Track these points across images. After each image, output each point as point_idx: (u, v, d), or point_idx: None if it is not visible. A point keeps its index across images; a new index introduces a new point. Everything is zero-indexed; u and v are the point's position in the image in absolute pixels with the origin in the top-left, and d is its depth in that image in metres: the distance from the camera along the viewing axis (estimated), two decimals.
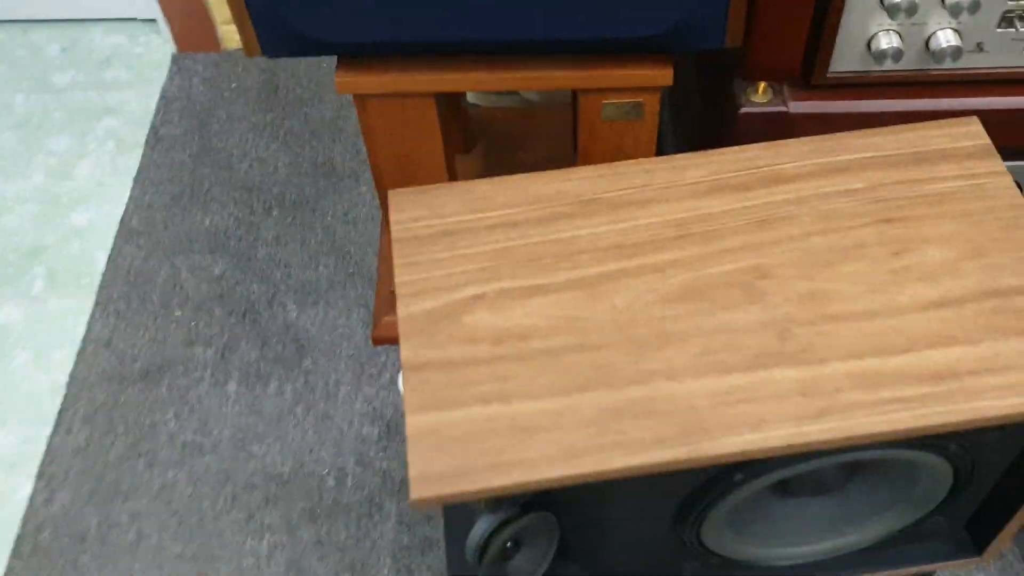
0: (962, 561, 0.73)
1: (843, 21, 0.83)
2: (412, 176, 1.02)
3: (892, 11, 0.80)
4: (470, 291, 0.63)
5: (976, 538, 0.73)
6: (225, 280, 1.28)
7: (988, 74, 0.83)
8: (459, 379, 0.59)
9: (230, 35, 1.53)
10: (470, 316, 0.62)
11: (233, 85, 1.52)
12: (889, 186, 0.65)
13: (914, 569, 0.74)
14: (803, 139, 0.68)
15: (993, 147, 0.66)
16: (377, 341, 1.21)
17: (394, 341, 1.20)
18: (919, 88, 0.85)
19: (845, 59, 0.85)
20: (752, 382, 0.57)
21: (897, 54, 0.81)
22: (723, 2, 0.82)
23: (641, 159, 0.69)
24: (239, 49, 1.54)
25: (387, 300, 1.20)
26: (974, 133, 0.67)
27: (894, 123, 0.69)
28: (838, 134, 0.68)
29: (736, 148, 0.68)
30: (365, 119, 0.96)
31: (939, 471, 0.63)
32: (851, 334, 0.59)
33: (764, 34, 0.84)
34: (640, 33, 0.84)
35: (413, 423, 0.58)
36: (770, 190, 0.66)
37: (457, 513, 0.77)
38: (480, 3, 0.83)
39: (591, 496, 0.64)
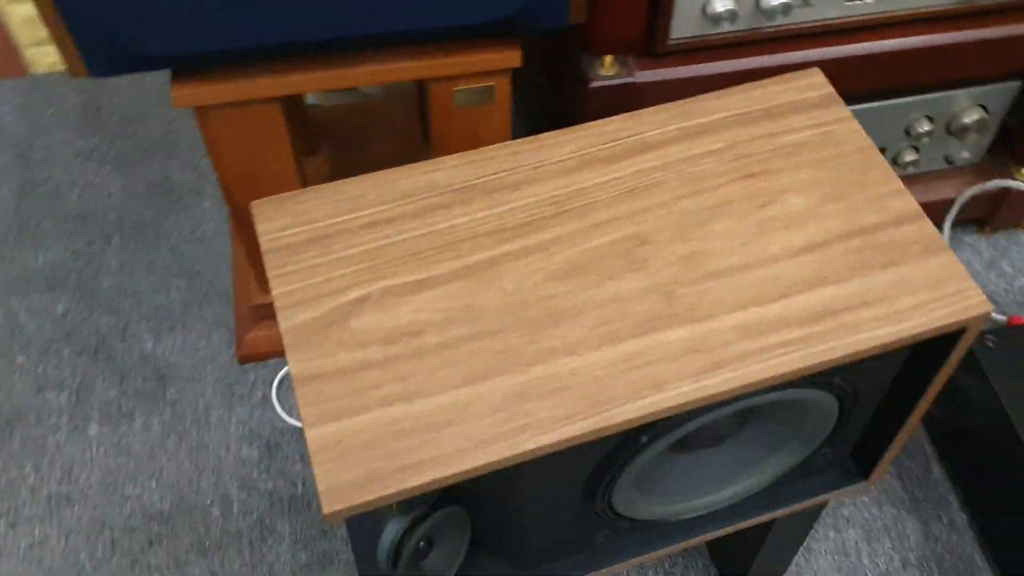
0: (851, 488, 0.77)
1: None
2: (262, 186, 0.98)
3: None
4: (353, 294, 0.61)
5: (862, 465, 0.77)
6: (70, 317, 1.21)
7: (818, 26, 0.88)
8: (355, 385, 0.57)
9: (39, 57, 1.44)
10: (357, 319, 0.60)
11: (50, 111, 1.42)
12: (746, 143, 0.68)
13: (808, 503, 0.77)
14: (660, 107, 0.70)
15: (836, 95, 0.70)
16: (243, 360, 1.16)
17: (262, 357, 1.17)
18: (758, 46, 0.89)
19: (684, 25, 0.88)
20: (647, 346, 0.58)
21: (732, 16, 0.84)
22: None
23: (507, 142, 0.68)
24: (53, 72, 1.45)
25: (248, 316, 1.16)
26: (817, 84, 0.70)
27: (738, 82, 0.72)
28: (693, 98, 0.70)
29: (598, 122, 0.69)
30: (208, 132, 0.92)
31: (825, 406, 0.66)
32: (731, 288, 0.61)
33: (606, 7, 0.85)
34: (486, 19, 0.84)
35: (314, 436, 0.56)
36: (636, 159, 0.67)
37: (362, 519, 0.75)
38: (316, 2, 0.81)
39: (501, 483, 0.64)
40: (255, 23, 0.82)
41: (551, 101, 1.05)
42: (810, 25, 0.88)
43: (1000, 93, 1.05)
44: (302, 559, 1.02)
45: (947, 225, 1.20)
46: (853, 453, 0.77)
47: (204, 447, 1.10)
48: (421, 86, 1.00)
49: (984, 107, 1.05)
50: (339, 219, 0.65)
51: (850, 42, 0.88)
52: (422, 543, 0.69)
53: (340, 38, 0.85)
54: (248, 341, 1.16)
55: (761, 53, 0.90)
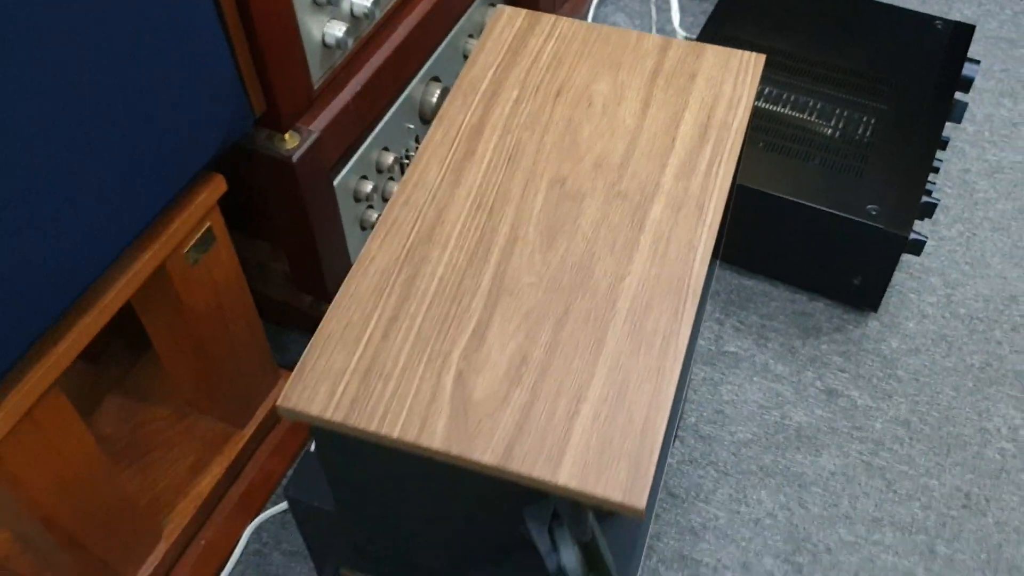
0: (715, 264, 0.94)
1: (303, 38, 0.89)
2: (73, 486, 0.84)
3: (322, 8, 0.90)
4: (447, 382, 0.61)
5: None
6: None
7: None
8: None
9: None
10: (476, 391, 0.61)
11: None
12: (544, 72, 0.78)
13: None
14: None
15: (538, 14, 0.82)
16: None
17: None
18: (377, 41, 0.99)
19: (319, 64, 0.92)
20: (654, 234, 0.68)
21: (346, 35, 0.91)
22: (240, 89, 0.82)
23: (386, 210, 0.70)
24: None
25: None
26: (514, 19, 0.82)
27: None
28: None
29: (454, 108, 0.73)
30: (9, 468, 0.77)
31: None
32: (643, 159, 0.72)
33: (284, 82, 0.87)
34: (197, 169, 0.81)
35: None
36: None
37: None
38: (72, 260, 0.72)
39: None
40: (29, 320, 0.70)
41: (240, 206, 1.03)
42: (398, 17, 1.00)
43: None
44: None
45: None
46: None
47: None
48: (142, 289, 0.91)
49: None
50: (360, 351, 0.63)
51: None
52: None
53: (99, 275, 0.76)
54: None
55: (383, 44, 0.99)
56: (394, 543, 0.76)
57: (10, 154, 0.65)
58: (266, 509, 1.10)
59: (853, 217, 1.12)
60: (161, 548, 1.01)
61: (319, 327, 0.65)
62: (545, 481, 0.58)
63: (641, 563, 0.97)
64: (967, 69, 1.27)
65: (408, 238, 0.69)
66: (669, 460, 1.11)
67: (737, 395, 1.16)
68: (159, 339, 0.99)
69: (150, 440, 1.08)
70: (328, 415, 0.61)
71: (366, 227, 1.11)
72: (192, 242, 0.89)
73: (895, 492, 1.08)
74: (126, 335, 1.17)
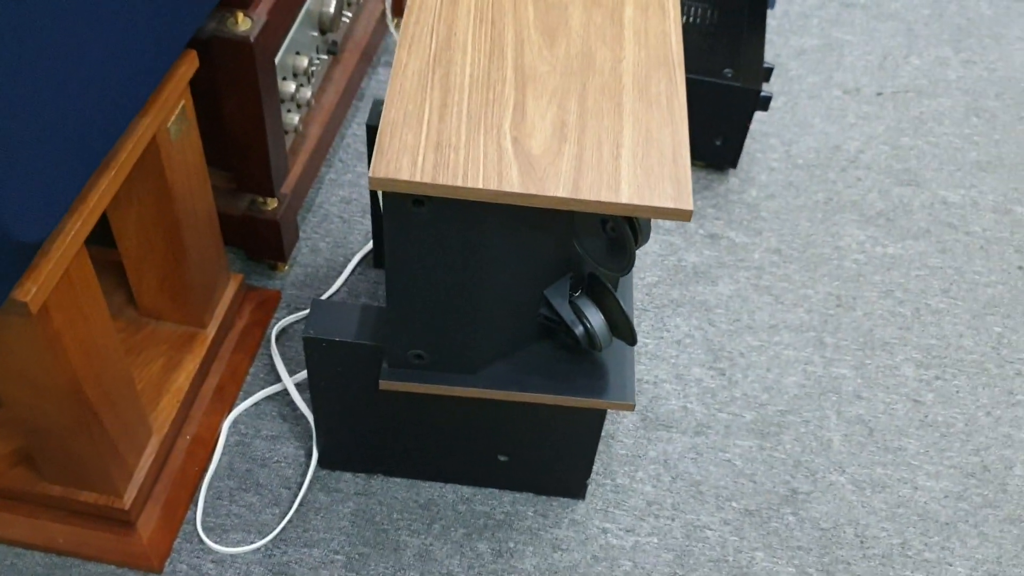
0: None
1: None
2: (100, 358, 0.87)
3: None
4: (507, 145, 0.72)
5: None
6: None
7: None
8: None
9: None
10: (533, 148, 0.72)
11: None
12: None
13: None
14: None
15: None
16: (161, 563, 1.01)
17: (170, 547, 1.02)
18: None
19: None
20: (633, 28, 0.82)
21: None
22: None
23: (402, 30, 0.80)
24: None
25: (132, 513, 0.99)
26: None
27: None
28: None
29: None
30: (49, 332, 0.79)
31: None
32: None
33: None
34: (188, 37, 0.87)
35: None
36: None
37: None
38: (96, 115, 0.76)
39: None
40: (78, 160, 0.73)
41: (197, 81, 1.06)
42: None
43: None
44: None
45: None
46: None
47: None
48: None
49: None
50: (425, 131, 0.73)
51: None
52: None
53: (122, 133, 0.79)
54: (150, 546, 1.00)
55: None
56: (438, 333, 0.85)
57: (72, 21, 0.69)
58: (238, 404, 1.14)
59: (714, 80, 1.32)
60: (155, 440, 1.03)
61: (382, 117, 0.74)
62: (611, 202, 0.70)
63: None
64: None
65: (430, 48, 0.79)
66: None
67: (639, 249, 1.32)
68: (126, 235, 1.01)
69: None
70: (416, 178, 0.70)
71: (288, 130, 1.18)
72: (173, 116, 0.93)
73: (782, 304, 1.28)
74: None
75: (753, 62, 1.35)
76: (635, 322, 1.24)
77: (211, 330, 1.13)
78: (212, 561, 1.02)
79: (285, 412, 1.13)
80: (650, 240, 1.33)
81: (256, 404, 1.14)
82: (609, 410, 1.11)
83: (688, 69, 1.33)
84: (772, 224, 1.37)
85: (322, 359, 0.95)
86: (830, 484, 1.12)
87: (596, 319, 0.85)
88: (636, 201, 0.71)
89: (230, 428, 1.12)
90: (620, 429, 1.15)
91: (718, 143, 1.39)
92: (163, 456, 1.05)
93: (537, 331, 0.91)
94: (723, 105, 1.34)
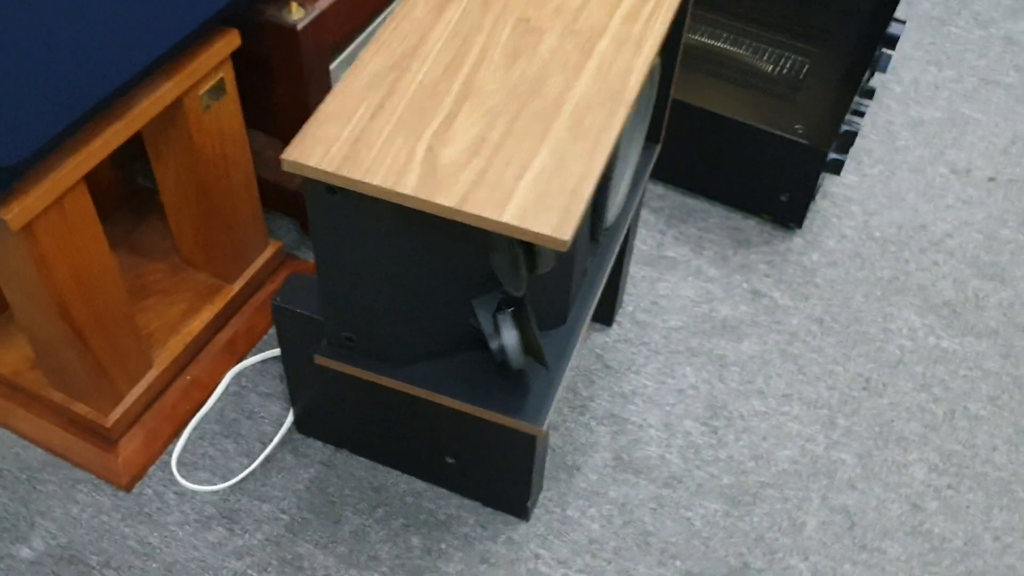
0: (654, 153, 1.09)
1: None
2: (89, 284, 0.97)
3: None
4: (420, 151, 0.75)
5: (654, 138, 1.09)
6: None
7: None
8: (488, 164, 0.73)
9: None
10: (442, 159, 0.75)
11: None
12: None
13: (640, 185, 1.08)
14: None
15: None
16: (131, 484, 1.11)
17: (143, 470, 1.12)
18: None
19: None
20: (599, 60, 0.82)
21: None
22: None
23: (378, 33, 0.85)
24: None
25: (106, 445, 1.10)
26: None
27: None
28: None
29: None
30: (37, 251, 0.89)
31: (656, 70, 0.96)
32: (596, 8, 0.87)
33: None
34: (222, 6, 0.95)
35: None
36: None
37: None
38: (92, 56, 0.85)
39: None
40: (65, 101, 0.83)
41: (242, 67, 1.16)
42: None
43: None
44: (334, 561, 1.07)
45: None
46: (648, 136, 1.09)
47: (176, 564, 1.05)
48: (159, 118, 1.04)
49: None
50: (351, 126, 0.77)
51: None
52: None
53: (118, 86, 0.89)
54: (123, 466, 1.10)
55: None
56: (366, 320, 0.89)
57: None
58: (248, 357, 1.22)
59: (782, 133, 1.27)
60: (152, 373, 1.13)
61: (319, 108, 0.79)
62: (492, 219, 0.72)
63: (567, 366, 1.10)
64: (893, 27, 1.44)
65: (395, 54, 0.83)
66: (605, 338, 1.25)
67: (672, 291, 1.30)
68: (167, 185, 1.12)
69: (149, 288, 1.21)
70: (322, 167, 0.74)
71: None
72: (207, 87, 1.02)
73: (805, 375, 1.23)
74: (133, 203, 1.29)
75: (829, 122, 1.30)
76: (644, 361, 1.23)
77: (236, 286, 1.22)
78: (175, 493, 1.11)
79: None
80: (687, 284, 1.31)
81: (264, 361, 1.22)
82: (583, 442, 1.12)
83: (758, 118, 1.30)
84: (824, 292, 1.31)
85: (288, 327, 1.01)
86: (787, 568, 1.07)
87: (510, 337, 0.86)
88: (515, 223, 0.72)
89: (232, 379, 1.20)
90: (588, 463, 1.14)
91: (783, 198, 1.34)
92: (159, 389, 1.15)
93: (477, 340, 0.93)
94: (788, 161, 1.30)
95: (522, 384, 0.92)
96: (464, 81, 0.81)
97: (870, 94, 1.46)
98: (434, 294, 0.87)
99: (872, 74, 1.51)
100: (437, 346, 0.92)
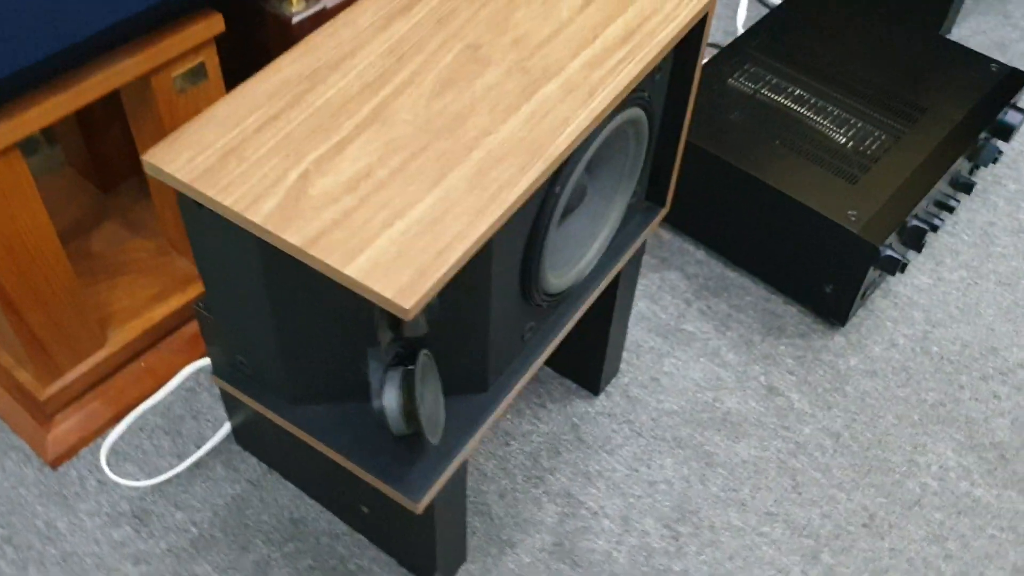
0: (656, 219, 0.96)
1: None
2: (24, 253, 0.93)
3: None
4: (294, 174, 0.67)
5: (657, 200, 0.96)
6: None
7: None
8: (355, 225, 0.64)
9: None
10: (313, 187, 0.66)
11: None
12: None
13: (637, 243, 0.95)
14: None
15: None
16: (57, 463, 1.08)
17: (73, 451, 1.09)
18: None
19: None
20: (538, 104, 0.71)
21: None
22: None
23: (312, 35, 0.77)
24: None
25: (38, 420, 1.08)
26: None
27: None
28: None
29: None
30: None
31: (639, 125, 0.84)
32: (560, 46, 0.76)
33: None
34: None
35: (354, 270, 0.62)
36: (425, 1, 0.79)
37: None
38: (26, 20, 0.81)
39: (471, 294, 0.73)
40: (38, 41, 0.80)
41: (239, 56, 1.11)
42: None
43: None
44: None
45: None
46: (648, 196, 0.96)
47: (73, 556, 1.01)
48: (131, 95, 1.00)
49: None
50: (232, 134, 0.69)
51: None
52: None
53: (56, 52, 0.85)
54: (51, 442, 1.08)
55: None
56: (255, 349, 0.82)
57: None
58: None
59: (831, 217, 1.11)
60: (102, 354, 1.09)
61: (208, 108, 0.71)
62: (335, 269, 0.62)
63: (472, 440, 1.00)
64: (1009, 115, 1.25)
65: (318, 62, 0.75)
66: (587, 408, 1.13)
67: (678, 370, 1.16)
68: None
69: (127, 266, 1.18)
70: (179, 176, 0.67)
71: None
72: (182, 70, 0.97)
73: (799, 494, 1.06)
74: (143, 176, 1.27)
75: (890, 214, 1.12)
76: (621, 442, 1.10)
77: None
78: (97, 480, 1.07)
79: None
80: (698, 366, 1.17)
81: None
82: (527, 518, 1.01)
83: (808, 195, 1.14)
84: (851, 404, 1.14)
85: (210, 333, 0.94)
86: None
87: (391, 398, 0.76)
88: (358, 278, 0.62)
89: (190, 374, 1.15)
90: (525, 543, 1.02)
91: (827, 290, 1.17)
92: (107, 371, 1.11)
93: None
94: (834, 250, 1.13)
95: (415, 451, 0.81)
96: (378, 105, 0.72)
97: (967, 188, 1.26)
98: (327, 335, 0.78)
99: (975, 166, 1.31)
100: (337, 390, 0.83)
